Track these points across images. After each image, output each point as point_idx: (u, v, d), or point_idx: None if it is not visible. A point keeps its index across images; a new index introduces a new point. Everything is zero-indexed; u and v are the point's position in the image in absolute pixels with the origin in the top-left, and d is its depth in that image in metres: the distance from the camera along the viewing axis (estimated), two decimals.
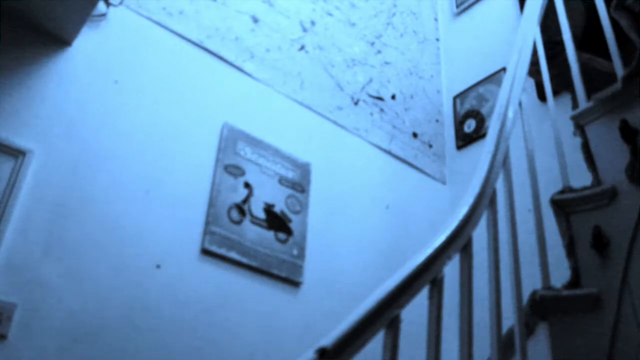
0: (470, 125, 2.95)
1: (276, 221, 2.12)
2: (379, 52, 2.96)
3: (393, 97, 2.90)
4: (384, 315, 0.98)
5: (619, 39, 1.73)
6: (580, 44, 2.05)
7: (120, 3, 1.94)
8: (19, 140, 1.61)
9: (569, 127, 1.81)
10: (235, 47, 2.31)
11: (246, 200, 2.06)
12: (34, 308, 1.49)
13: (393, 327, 0.99)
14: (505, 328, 1.31)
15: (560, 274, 1.55)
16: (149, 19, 2.06)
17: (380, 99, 2.82)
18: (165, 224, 1.83)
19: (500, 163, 1.45)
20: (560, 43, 1.87)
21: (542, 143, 2.15)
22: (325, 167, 2.40)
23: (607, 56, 1.79)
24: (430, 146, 2.96)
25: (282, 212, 2.16)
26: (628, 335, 1.32)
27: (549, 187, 1.68)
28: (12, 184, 1.54)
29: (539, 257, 1.53)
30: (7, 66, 1.67)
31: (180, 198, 1.90)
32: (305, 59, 2.57)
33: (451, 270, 1.22)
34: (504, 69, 2.85)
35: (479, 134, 2.87)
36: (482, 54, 3.08)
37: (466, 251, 1.22)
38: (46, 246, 1.57)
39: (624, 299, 1.36)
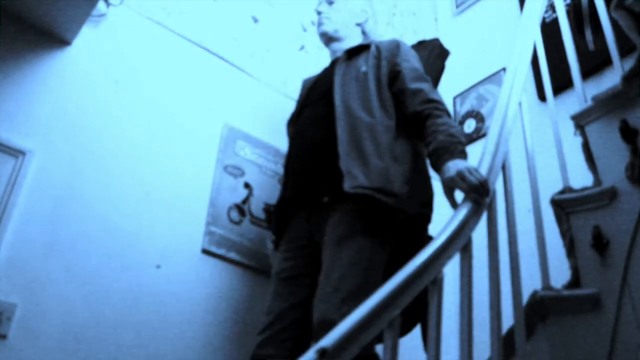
0: (470, 125, 2.95)
1: None
2: None
3: None
4: (384, 315, 0.98)
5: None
6: None
7: (121, 3, 1.94)
8: (19, 140, 1.61)
9: (569, 127, 1.81)
10: (235, 47, 2.31)
11: (246, 200, 2.06)
12: (34, 308, 1.49)
13: (393, 327, 0.99)
14: (505, 328, 1.31)
15: (560, 274, 1.56)
16: (149, 18, 2.06)
17: None
18: (165, 224, 1.83)
19: (500, 163, 1.45)
20: None
21: (542, 143, 2.15)
22: None
23: None
24: None
25: None
26: (628, 335, 1.32)
27: (549, 187, 1.68)
28: (12, 184, 1.54)
29: (538, 257, 1.53)
30: (7, 66, 1.67)
31: (180, 198, 1.90)
32: (305, 59, 2.57)
33: (451, 270, 1.22)
34: (504, 69, 2.85)
35: (479, 134, 2.87)
36: (482, 54, 3.08)
37: (466, 251, 1.22)
38: (46, 246, 1.57)
39: (624, 299, 1.36)
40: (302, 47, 2.58)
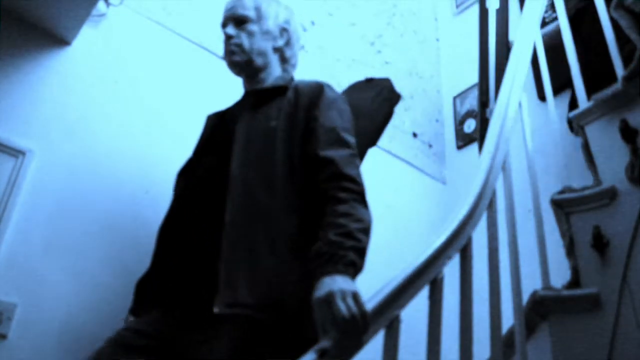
0: (470, 125, 2.95)
1: None
2: (379, 52, 2.96)
3: None
4: (384, 315, 0.98)
5: None
6: None
7: (121, 3, 1.94)
8: (19, 140, 1.61)
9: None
10: None
11: None
12: (34, 308, 1.49)
13: (393, 327, 0.99)
14: (505, 328, 1.31)
15: (560, 274, 1.56)
16: (149, 18, 2.06)
17: None
18: None
19: (500, 163, 1.46)
20: None
21: (542, 143, 2.15)
22: None
23: None
24: (430, 146, 2.96)
25: None
26: (628, 335, 1.32)
27: (549, 187, 1.68)
28: (12, 184, 1.54)
29: (539, 257, 1.53)
30: (6, 66, 1.67)
31: None
32: (305, 59, 2.57)
33: (451, 270, 1.23)
34: None
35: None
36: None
37: (466, 251, 1.22)
38: (46, 246, 1.57)
39: (624, 299, 1.36)
40: (302, 47, 2.57)
